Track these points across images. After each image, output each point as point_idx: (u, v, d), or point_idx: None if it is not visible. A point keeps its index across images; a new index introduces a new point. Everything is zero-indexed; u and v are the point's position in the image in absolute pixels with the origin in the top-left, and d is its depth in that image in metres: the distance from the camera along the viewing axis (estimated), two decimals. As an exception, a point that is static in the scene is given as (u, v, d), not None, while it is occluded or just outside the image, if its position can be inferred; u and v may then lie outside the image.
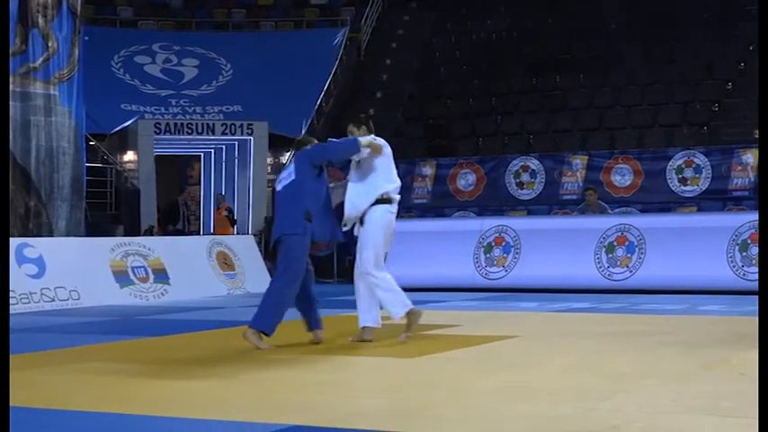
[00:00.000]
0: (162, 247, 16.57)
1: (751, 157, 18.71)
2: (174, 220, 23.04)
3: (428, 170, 21.25)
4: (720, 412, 5.90)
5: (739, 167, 18.78)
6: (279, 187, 9.59)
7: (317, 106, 27.25)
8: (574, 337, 9.89)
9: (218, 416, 5.99)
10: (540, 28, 28.39)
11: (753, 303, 11.78)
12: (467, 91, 27.03)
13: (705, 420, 5.71)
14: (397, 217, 20.60)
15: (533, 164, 20.36)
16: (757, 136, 21.83)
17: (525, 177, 20.35)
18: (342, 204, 9.52)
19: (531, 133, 24.51)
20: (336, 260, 20.80)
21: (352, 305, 14.55)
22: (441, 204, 20.87)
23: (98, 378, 7.62)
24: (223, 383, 7.26)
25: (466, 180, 20.82)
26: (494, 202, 20.54)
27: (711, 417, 5.79)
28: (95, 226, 21.09)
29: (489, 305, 14.48)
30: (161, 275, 15.99)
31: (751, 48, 25.05)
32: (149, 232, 22.73)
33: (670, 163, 19.21)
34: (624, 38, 26.49)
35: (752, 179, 18.61)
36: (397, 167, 22.41)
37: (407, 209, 21.07)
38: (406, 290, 17.11)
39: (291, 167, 9.46)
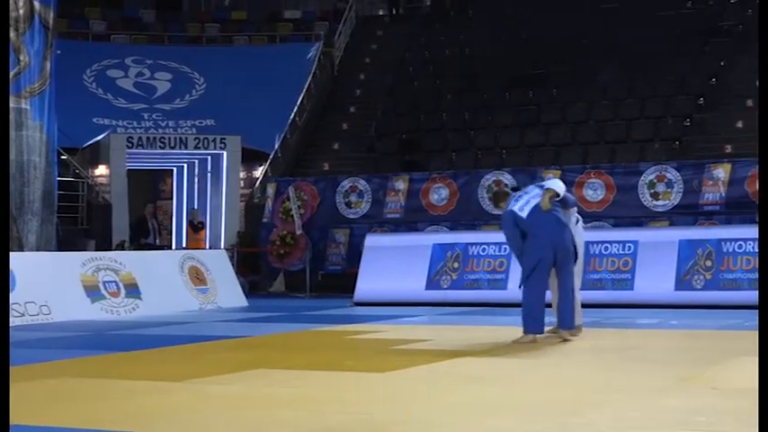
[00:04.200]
0: (133, 262, 16.47)
1: (722, 171, 18.80)
2: (144, 235, 22.93)
3: (401, 184, 21.24)
4: (693, 426, 5.89)
5: (710, 182, 18.86)
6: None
7: (290, 121, 27.20)
8: (545, 352, 9.89)
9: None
10: (514, 43, 28.47)
11: (723, 318, 11.80)
12: (440, 105, 27.05)
13: (677, 435, 5.72)
14: (369, 230, 20.65)
15: (506, 178, 20.36)
16: (728, 150, 21.99)
17: (498, 192, 20.34)
18: None
19: (505, 148, 24.55)
20: (309, 275, 20.74)
21: (326, 320, 14.57)
22: (413, 219, 20.85)
23: (70, 394, 7.55)
24: (193, 399, 7.21)
25: (439, 194, 20.81)
26: (466, 216, 20.55)
27: (685, 431, 5.78)
28: (66, 240, 20.95)
29: (462, 320, 14.47)
30: (132, 290, 15.89)
31: (722, 63, 25.23)
32: (121, 247, 22.62)
33: (642, 177, 19.28)
34: (597, 53, 26.59)
35: (723, 194, 18.71)
36: (369, 182, 22.50)
37: (380, 223, 21.07)
38: (377, 304, 17.18)
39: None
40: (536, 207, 10.75)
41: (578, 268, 11.22)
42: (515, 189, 11.68)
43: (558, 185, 11.05)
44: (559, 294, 10.86)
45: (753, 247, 15.84)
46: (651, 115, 24.15)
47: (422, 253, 17.93)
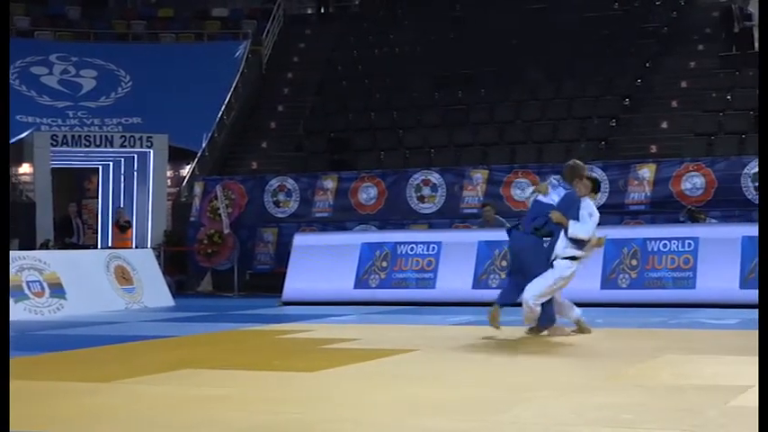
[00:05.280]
0: (58, 262, 16.24)
1: (647, 171, 19.03)
2: (68, 234, 22.66)
3: (330, 184, 21.21)
4: (620, 424, 5.95)
5: (636, 182, 19.07)
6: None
7: (218, 119, 27.04)
8: (473, 350, 9.92)
9: (113, 433, 5.89)
10: (443, 43, 28.57)
11: (648, 316, 11.92)
12: (369, 105, 27.07)
13: (603, 432, 5.76)
14: (297, 230, 20.49)
15: (434, 178, 20.45)
16: (653, 150, 22.27)
17: (426, 191, 20.43)
18: None
19: (433, 147, 24.62)
20: (237, 274, 20.64)
21: (254, 319, 14.51)
22: (342, 218, 20.85)
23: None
24: (122, 400, 7.13)
25: (367, 194, 20.83)
26: (395, 215, 20.59)
27: (610, 428, 5.83)
28: (-11, 240, 20.60)
29: (390, 319, 14.48)
30: (57, 290, 15.67)
31: (647, 64, 25.54)
32: (45, 246, 22.32)
33: (569, 177, 19.41)
34: (525, 54, 26.78)
35: (648, 193, 18.93)
36: (298, 181, 22.40)
37: (309, 222, 21.03)
38: (306, 303, 17.12)
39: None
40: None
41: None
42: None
43: (583, 233, 10.81)
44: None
45: (677, 246, 16.05)
46: (578, 115, 24.37)
47: (350, 252, 17.91)
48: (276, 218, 21.45)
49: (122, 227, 23.53)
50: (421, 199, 20.45)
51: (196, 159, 26.10)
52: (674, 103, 24.30)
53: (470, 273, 16.99)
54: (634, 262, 16.15)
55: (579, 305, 14.61)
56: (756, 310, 14.24)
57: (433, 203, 20.38)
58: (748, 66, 24.11)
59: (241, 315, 15.58)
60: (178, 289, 20.51)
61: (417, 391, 7.34)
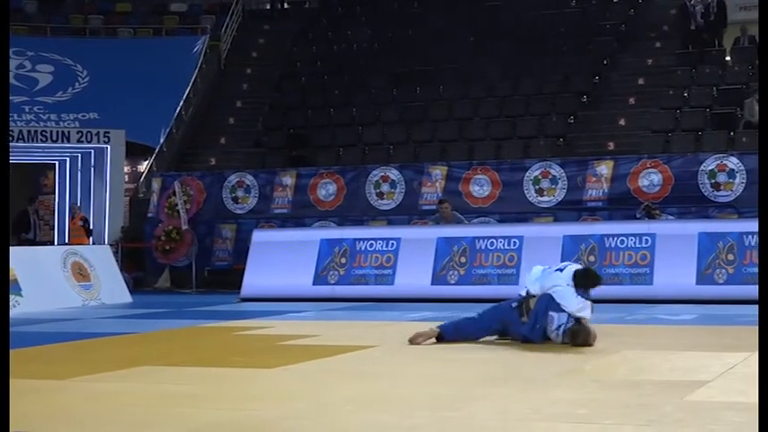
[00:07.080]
0: (14, 258, 16.06)
1: (605, 168, 19.13)
2: (25, 230, 22.46)
3: (288, 180, 21.17)
4: (576, 419, 5.98)
5: (594, 178, 19.17)
6: None
7: (176, 115, 26.92)
8: (431, 346, 9.93)
9: (73, 430, 5.84)
10: (401, 39, 28.59)
11: (605, 312, 11.98)
12: (328, 101, 27.03)
13: (561, 427, 5.79)
14: (256, 226, 20.45)
15: (393, 174, 20.46)
16: (611, 147, 22.40)
17: (385, 187, 20.44)
18: None
19: (392, 144, 24.64)
20: (195, 270, 20.56)
21: (212, 316, 14.47)
22: (301, 214, 20.82)
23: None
24: (79, 398, 7.09)
25: (326, 190, 20.80)
26: (354, 211, 20.59)
27: (567, 424, 5.86)
28: (-56, 236, 20.39)
29: (349, 315, 14.49)
30: (12, 287, 15.48)
31: (605, 62, 25.68)
32: (1, 242, 22.08)
33: (527, 174, 19.52)
34: (483, 51, 26.83)
35: (605, 190, 19.04)
36: (256, 177, 22.33)
37: (267, 219, 20.98)
38: (264, 300, 17.07)
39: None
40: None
41: None
42: None
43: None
44: None
45: (634, 243, 16.17)
46: (536, 112, 24.45)
47: (309, 248, 17.90)
48: (235, 214, 21.38)
49: (88, 231, 23.25)
50: (380, 195, 20.45)
51: (154, 155, 25.96)
52: (632, 100, 24.45)
53: (429, 269, 17.03)
54: (592, 258, 16.24)
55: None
56: (713, 306, 14.46)
57: (391, 200, 20.39)
58: (705, 63, 24.32)
59: (199, 312, 15.52)
60: (136, 285, 20.40)
61: (376, 388, 7.34)
